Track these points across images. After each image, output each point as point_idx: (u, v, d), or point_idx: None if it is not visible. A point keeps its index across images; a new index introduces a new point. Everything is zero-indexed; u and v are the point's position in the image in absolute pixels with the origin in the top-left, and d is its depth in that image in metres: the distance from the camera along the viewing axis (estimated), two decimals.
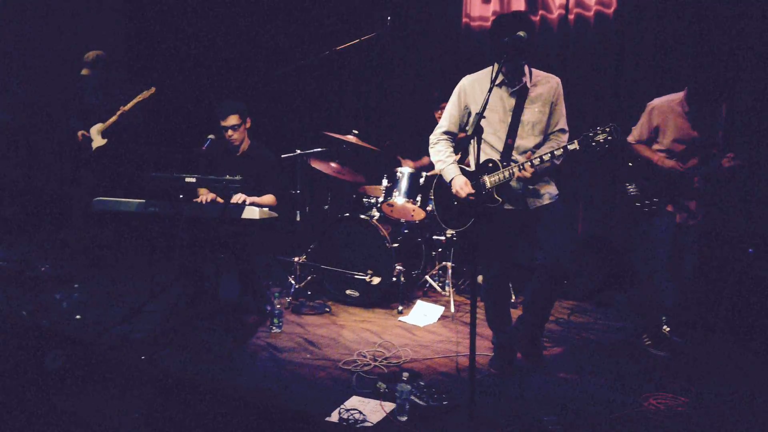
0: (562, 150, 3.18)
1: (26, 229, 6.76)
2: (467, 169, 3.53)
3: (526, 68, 3.36)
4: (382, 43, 5.57)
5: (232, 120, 4.44)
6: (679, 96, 4.06)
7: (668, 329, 4.27)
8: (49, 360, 3.42)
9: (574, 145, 3.15)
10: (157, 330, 3.97)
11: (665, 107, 4.05)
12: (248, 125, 4.57)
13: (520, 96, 3.35)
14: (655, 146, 4.10)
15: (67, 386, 3.32)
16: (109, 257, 5.70)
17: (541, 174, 3.37)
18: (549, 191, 3.45)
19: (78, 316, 4.16)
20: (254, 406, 3.11)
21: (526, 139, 3.37)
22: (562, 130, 3.43)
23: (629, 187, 4.21)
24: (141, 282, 5.03)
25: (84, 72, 5.45)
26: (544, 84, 3.39)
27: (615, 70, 5.42)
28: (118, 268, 5.54)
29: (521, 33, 3.11)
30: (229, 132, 4.45)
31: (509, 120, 3.36)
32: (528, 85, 3.35)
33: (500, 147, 3.37)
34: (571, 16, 5.54)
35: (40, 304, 4.31)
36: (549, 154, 3.20)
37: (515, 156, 3.35)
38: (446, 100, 3.63)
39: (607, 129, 3.08)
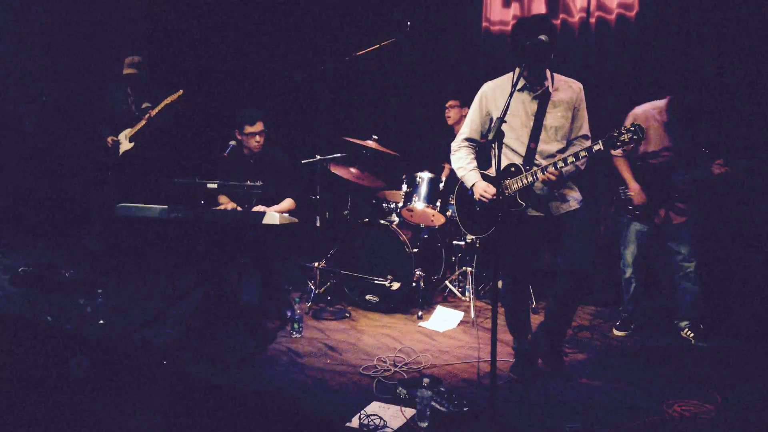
0: (585, 152, 3.17)
1: (50, 235, 6.86)
2: (489, 175, 3.52)
3: (548, 72, 3.35)
4: (401, 48, 5.58)
5: (260, 126, 4.47)
6: (660, 104, 4.14)
7: (692, 334, 4.23)
8: (74, 365, 3.46)
9: (599, 146, 3.14)
10: (178, 335, 4.00)
11: (646, 114, 4.18)
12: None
13: (543, 100, 3.33)
14: (639, 153, 4.21)
15: (91, 391, 3.36)
16: (132, 262, 5.76)
17: (566, 178, 3.35)
18: (573, 197, 3.43)
19: (101, 321, 4.20)
20: (275, 411, 3.12)
21: (549, 144, 3.35)
22: (585, 136, 3.42)
23: (622, 190, 4.28)
24: (163, 287, 5.08)
25: (130, 71, 5.54)
26: (566, 89, 3.38)
27: (637, 74, 5.36)
28: (141, 274, 5.59)
29: (543, 37, 3.11)
30: (257, 138, 4.47)
31: (531, 124, 3.34)
32: (550, 89, 3.34)
33: (523, 151, 3.36)
34: (592, 20, 5.49)
35: (64, 309, 4.36)
36: (572, 156, 3.19)
37: (538, 160, 3.34)
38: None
39: (632, 129, 3.07)
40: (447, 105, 5.65)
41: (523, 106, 3.36)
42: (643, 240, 4.35)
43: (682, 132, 4.10)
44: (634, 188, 4.23)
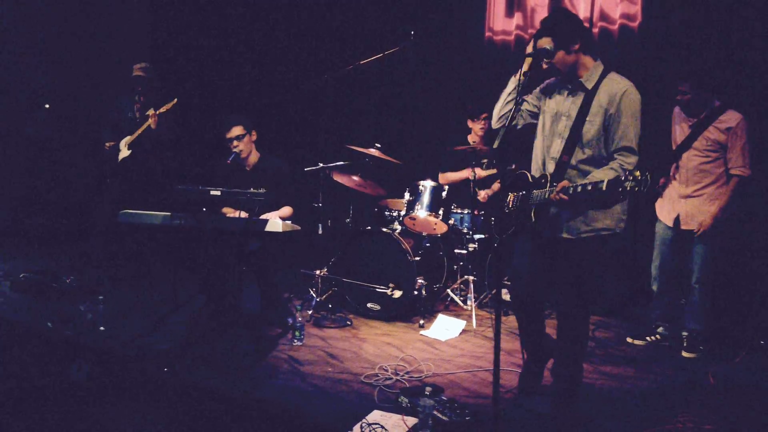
0: (592, 186, 2.77)
1: (51, 241, 6.85)
2: (525, 175, 3.23)
3: (584, 72, 3.07)
4: (405, 57, 5.60)
5: (236, 131, 4.48)
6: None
7: (685, 344, 4.21)
8: (74, 371, 3.45)
9: (604, 185, 2.73)
10: (179, 342, 3.98)
11: (675, 113, 4.45)
12: (254, 137, 4.60)
13: (581, 102, 3.03)
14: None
15: (91, 397, 3.34)
16: (133, 269, 5.75)
17: (580, 203, 2.93)
18: (592, 225, 3.02)
19: (102, 328, 4.19)
20: (275, 419, 3.11)
21: (580, 154, 3.01)
22: (626, 149, 2.94)
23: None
24: (164, 294, 5.06)
25: (138, 73, 5.57)
26: (605, 90, 3.01)
27: (640, 85, 5.34)
28: (142, 280, 5.58)
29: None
30: (234, 143, 4.49)
31: (563, 129, 3.07)
32: (586, 86, 3.04)
33: (552, 159, 3.09)
34: (595, 30, 5.50)
35: (65, 315, 4.34)
36: (581, 187, 2.81)
37: (569, 173, 3.02)
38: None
39: (640, 178, 2.64)
40: (482, 117, 5.36)
41: (557, 105, 3.12)
42: (666, 247, 4.33)
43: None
44: None
